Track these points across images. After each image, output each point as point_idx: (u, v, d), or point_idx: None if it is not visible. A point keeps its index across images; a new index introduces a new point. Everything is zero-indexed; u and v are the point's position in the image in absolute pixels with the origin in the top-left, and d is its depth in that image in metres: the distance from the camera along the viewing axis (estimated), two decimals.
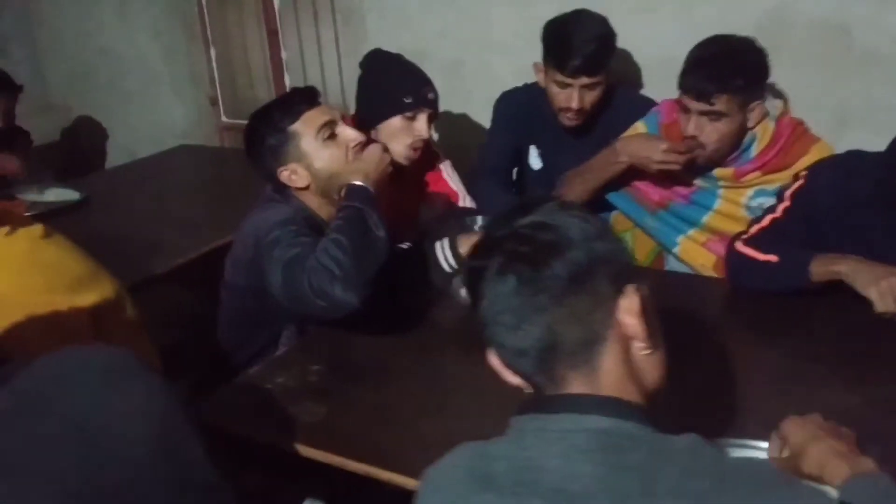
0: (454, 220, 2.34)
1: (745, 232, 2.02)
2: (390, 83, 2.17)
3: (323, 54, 3.77)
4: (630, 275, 0.93)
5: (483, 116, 2.90)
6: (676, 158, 2.12)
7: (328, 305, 1.60)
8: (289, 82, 3.93)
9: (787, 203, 1.97)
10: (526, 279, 0.88)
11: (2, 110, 3.38)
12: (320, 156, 1.84)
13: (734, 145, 2.12)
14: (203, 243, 2.58)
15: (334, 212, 1.79)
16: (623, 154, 2.22)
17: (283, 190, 1.90)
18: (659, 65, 2.71)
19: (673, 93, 2.60)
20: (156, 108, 4.33)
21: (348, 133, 1.87)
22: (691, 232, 2.29)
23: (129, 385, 0.87)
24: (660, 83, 2.60)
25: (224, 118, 4.21)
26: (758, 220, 2.03)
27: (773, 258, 1.90)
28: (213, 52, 4.09)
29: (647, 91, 2.72)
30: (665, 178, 2.25)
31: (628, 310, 0.89)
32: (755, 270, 1.93)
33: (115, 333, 1.58)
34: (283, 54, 3.90)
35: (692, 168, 2.17)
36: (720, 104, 2.02)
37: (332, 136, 1.85)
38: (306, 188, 1.87)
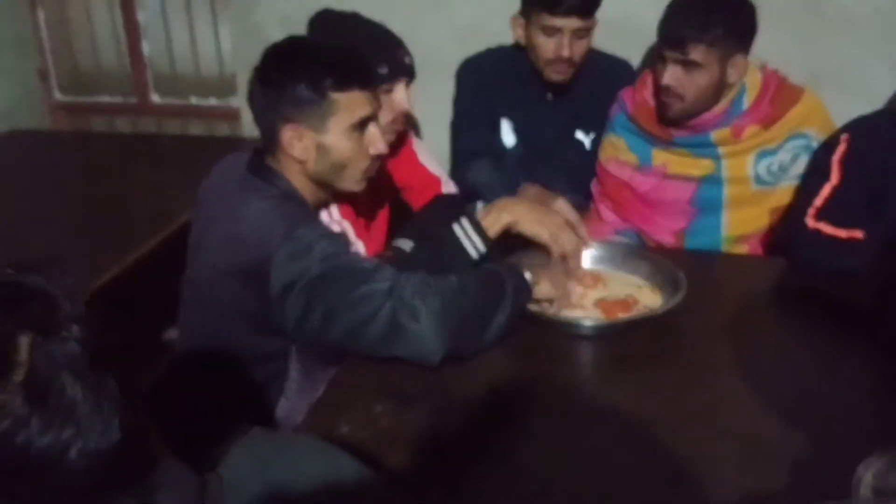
0: (447, 210, 2.01)
1: (805, 204, 1.84)
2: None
3: (194, 17, 3.17)
4: None
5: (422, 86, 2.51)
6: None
7: (407, 345, 1.39)
8: (147, 50, 3.29)
9: (836, 170, 1.83)
10: None
11: None
12: (340, 142, 1.54)
13: (712, 99, 1.97)
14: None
15: (321, 196, 1.62)
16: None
17: (264, 164, 1.58)
18: (621, 24, 2.47)
19: (634, 56, 2.42)
20: None
21: (377, 136, 1.59)
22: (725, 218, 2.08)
23: None
24: (622, 45, 2.42)
25: (58, 95, 3.48)
26: (809, 189, 1.88)
27: (857, 234, 1.72)
28: (41, 15, 3.34)
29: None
30: (656, 177, 2.09)
31: None
32: (838, 249, 1.73)
33: None
34: (140, 16, 3.25)
35: (672, 122, 2.02)
36: (696, 54, 1.88)
37: (361, 129, 1.55)
38: (300, 162, 1.55)
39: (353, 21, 1.86)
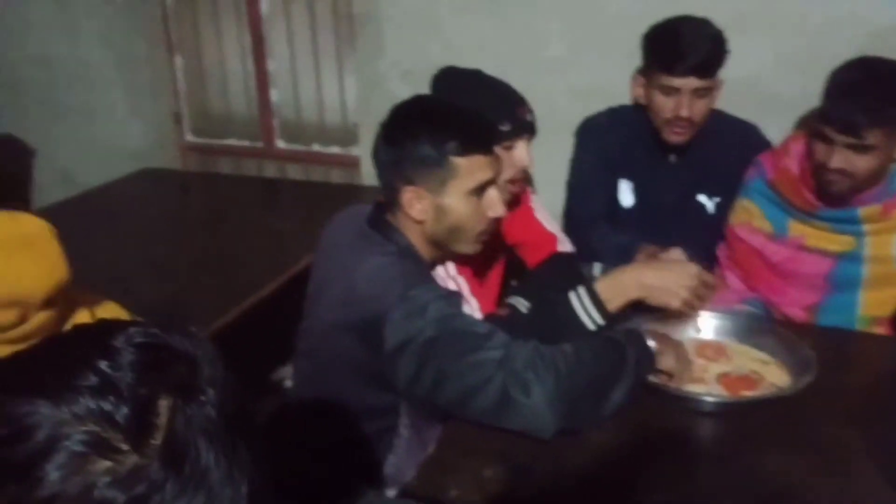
0: (564, 270, 1.98)
1: None
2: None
3: (321, 67, 3.27)
4: None
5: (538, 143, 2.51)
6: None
7: (517, 418, 1.35)
8: (275, 98, 3.41)
9: None
10: None
11: None
12: (458, 206, 1.53)
13: (880, 177, 1.88)
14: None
15: (437, 254, 1.61)
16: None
17: (383, 219, 1.59)
18: (747, 88, 2.40)
19: (761, 115, 2.34)
20: (102, 124, 3.70)
21: (495, 200, 1.57)
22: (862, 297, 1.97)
23: None
24: (748, 107, 2.33)
25: (190, 136, 3.64)
26: None
27: None
28: (178, 61, 3.52)
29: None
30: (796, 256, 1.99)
31: None
32: None
33: None
34: (270, 65, 3.38)
35: (830, 196, 1.91)
36: (871, 138, 1.77)
37: (480, 193, 1.54)
38: (418, 222, 1.54)
39: (476, 78, 1.86)
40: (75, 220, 2.82)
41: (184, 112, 3.61)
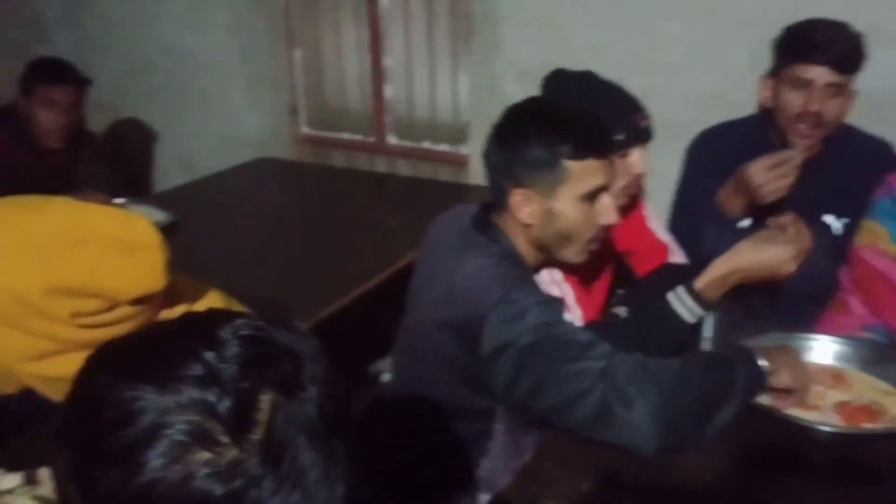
0: (675, 281, 1.91)
1: None
2: None
3: (436, 65, 3.29)
4: None
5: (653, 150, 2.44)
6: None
7: (617, 432, 1.28)
8: (389, 94, 3.45)
9: None
10: None
11: (65, 106, 2.85)
12: (569, 211, 1.49)
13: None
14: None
15: (542, 258, 1.57)
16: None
17: (488, 221, 1.56)
18: (882, 97, 2.27)
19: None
20: (224, 113, 3.83)
21: (608, 207, 1.52)
22: None
23: None
24: (884, 122, 2.20)
25: (305, 129, 3.71)
26: None
27: None
28: (297, 54, 3.60)
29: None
30: None
31: None
32: None
33: None
34: (386, 61, 3.41)
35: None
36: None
37: (592, 199, 1.49)
38: (526, 226, 1.51)
39: (589, 82, 1.80)
40: (192, 204, 2.92)
41: (300, 104, 3.69)
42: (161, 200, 2.89)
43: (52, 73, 2.85)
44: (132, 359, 0.64)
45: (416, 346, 1.61)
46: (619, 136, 1.67)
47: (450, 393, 1.51)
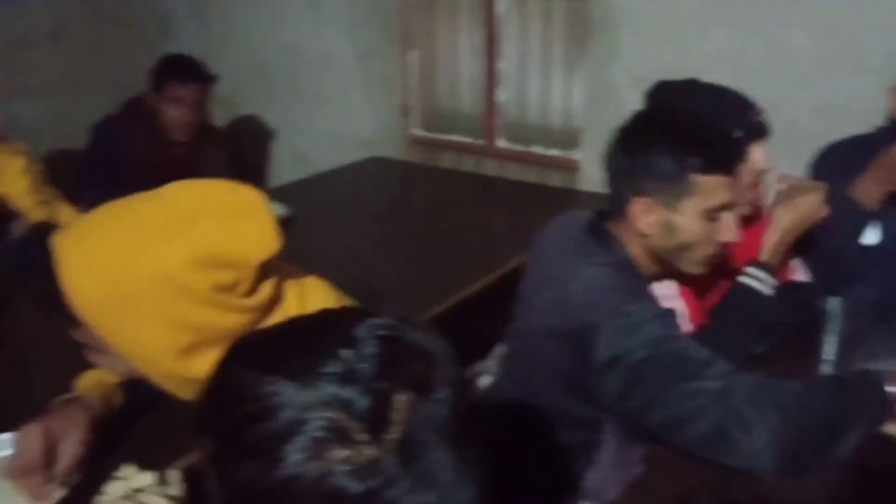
0: (796, 300, 1.85)
1: None
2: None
3: (551, 70, 3.27)
4: None
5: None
6: None
7: (734, 455, 1.25)
8: (502, 97, 3.46)
9: None
10: None
11: (193, 103, 2.97)
12: (690, 225, 1.46)
13: None
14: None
15: (657, 269, 1.54)
16: None
17: (604, 228, 1.53)
18: None
19: None
20: (339, 111, 3.92)
21: (731, 225, 1.49)
22: None
23: None
24: None
25: (416, 130, 3.76)
26: None
27: None
28: (410, 56, 3.65)
29: None
30: None
31: None
32: None
33: None
34: (501, 65, 3.42)
35: None
36: None
37: (715, 215, 1.46)
38: (643, 236, 1.48)
39: (696, 88, 1.77)
40: (305, 201, 2.99)
41: (413, 105, 3.74)
42: (276, 195, 2.97)
43: (183, 70, 2.96)
44: (271, 354, 0.65)
45: (524, 351, 1.61)
46: (737, 135, 1.64)
47: (557, 400, 1.50)
